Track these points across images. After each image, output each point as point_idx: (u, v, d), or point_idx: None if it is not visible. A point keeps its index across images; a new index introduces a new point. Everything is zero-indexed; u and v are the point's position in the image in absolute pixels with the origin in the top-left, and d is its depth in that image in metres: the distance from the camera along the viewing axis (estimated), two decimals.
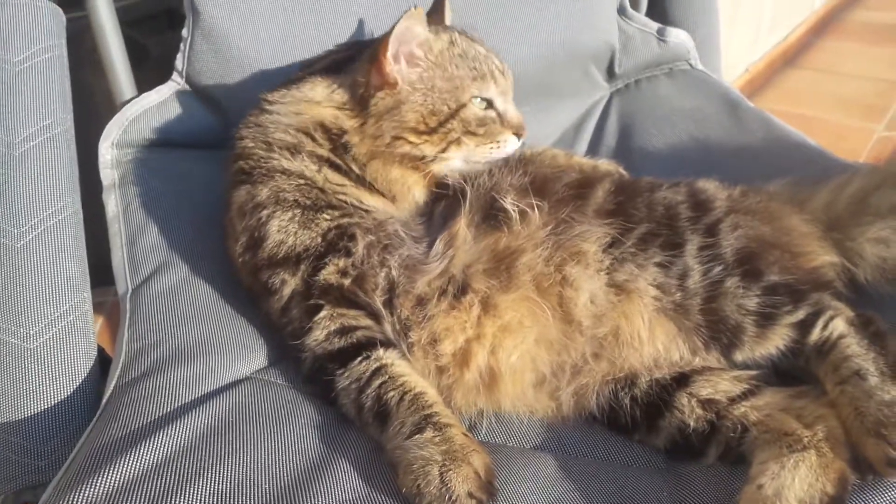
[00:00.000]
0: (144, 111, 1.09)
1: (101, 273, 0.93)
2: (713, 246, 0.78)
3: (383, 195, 0.85)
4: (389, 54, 0.81)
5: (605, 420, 0.78)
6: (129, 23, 1.24)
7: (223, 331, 0.86)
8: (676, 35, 1.29)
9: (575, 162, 0.99)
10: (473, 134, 0.86)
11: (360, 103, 0.84)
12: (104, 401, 0.76)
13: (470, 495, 0.62)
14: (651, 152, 1.17)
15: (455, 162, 0.86)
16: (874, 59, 3.13)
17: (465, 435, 0.68)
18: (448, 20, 0.99)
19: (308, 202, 0.80)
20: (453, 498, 0.61)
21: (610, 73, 1.30)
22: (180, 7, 1.74)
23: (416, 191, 0.85)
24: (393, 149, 0.83)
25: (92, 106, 1.21)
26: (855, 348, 0.72)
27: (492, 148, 0.88)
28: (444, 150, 0.84)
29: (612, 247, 0.79)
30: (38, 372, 0.80)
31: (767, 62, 3.02)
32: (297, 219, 0.79)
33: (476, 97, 0.87)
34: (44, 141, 0.91)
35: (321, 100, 0.85)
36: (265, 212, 0.80)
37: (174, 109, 1.10)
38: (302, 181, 0.81)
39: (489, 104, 0.88)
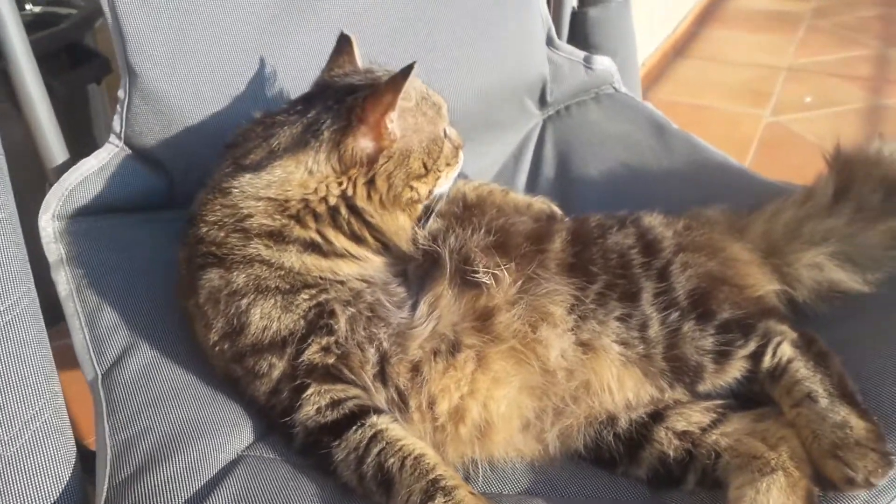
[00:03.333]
0: (84, 179, 1.04)
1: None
2: (667, 291, 0.85)
3: (371, 246, 0.86)
4: (394, 114, 0.81)
5: (590, 456, 0.84)
6: None
7: (205, 410, 0.85)
8: (601, 62, 1.37)
9: (511, 199, 1.04)
10: (449, 164, 0.91)
11: (347, 168, 0.83)
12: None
13: None
14: (588, 180, 1.24)
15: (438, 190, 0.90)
16: (754, 46, 3.37)
17: (473, 494, 0.72)
18: (359, 60, 0.98)
19: (287, 286, 0.80)
20: None
21: (542, 102, 1.36)
22: (81, 43, 1.66)
23: (409, 229, 0.88)
24: (402, 199, 0.85)
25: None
26: (803, 371, 0.80)
27: (453, 169, 0.92)
28: (433, 188, 0.89)
29: (574, 307, 0.84)
30: (18, 478, 0.77)
31: (661, 54, 3.18)
32: (278, 304, 0.79)
33: (444, 130, 0.90)
34: None
35: (302, 179, 0.83)
36: (245, 300, 0.79)
37: (115, 174, 1.06)
38: (282, 271, 0.81)
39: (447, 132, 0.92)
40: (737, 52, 3.32)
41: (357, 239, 0.86)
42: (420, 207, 0.89)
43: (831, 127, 2.62)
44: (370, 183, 0.84)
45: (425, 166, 0.87)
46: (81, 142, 1.53)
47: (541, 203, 1.04)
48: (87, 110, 1.72)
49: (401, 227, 0.87)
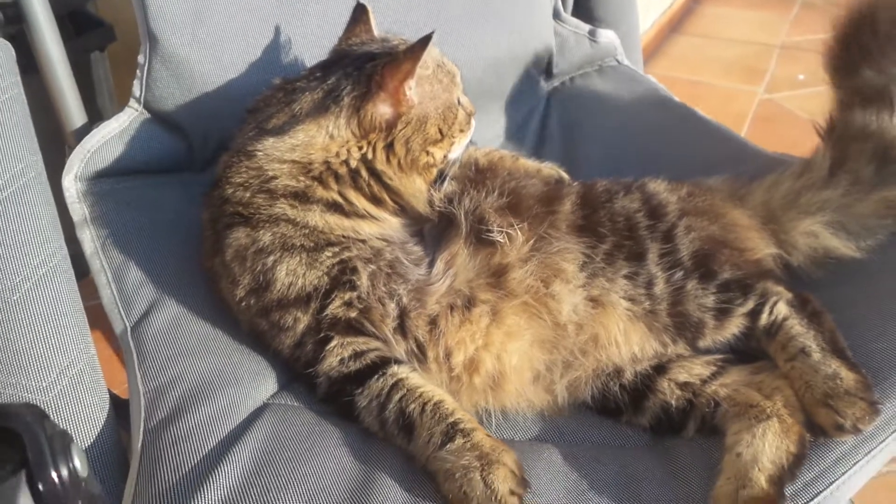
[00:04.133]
0: (105, 141, 1.07)
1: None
2: (671, 252, 0.90)
3: (390, 208, 0.90)
4: (412, 81, 0.84)
5: (596, 406, 0.89)
6: None
7: (231, 361, 0.89)
8: (605, 35, 1.40)
9: (521, 164, 1.08)
10: (462, 130, 0.94)
11: (367, 133, 0.86)
12: (138, 445, 0.79)
13: (511, 492, 0.71)
14: (593, 149, 1.27)
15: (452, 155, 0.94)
16: (748, 23, 3.38)
17: (490, 436, 0.76)
18: (375, 29, 1.01)
19: (311, 244, 0.84)
20: (499, 498, 0.70)
21: (548, 74, 1.39)
22: (84, 10, 1.66)
23: (426, 195, 0.91)
24: (418, 161, 0.89)
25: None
26: (797, 328, 0.85)
27: (465, 135, 0.96)
28: (448, 153, 0.92)
29: (585, 264, 0.88)
30: (58, 423, 0.81)
31: (657, 30, 3.20)
32: (303, 261, 0.83)
33: (458, 97, 0.93)
34: (19, 188, 0.89)
35: (323, 143, 0.86)
36: (271, 258, 0.83)
37: (135, 137, 1.09)
38: (307, 229, 0.84)
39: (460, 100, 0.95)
40: (731, 29, 3.34)
41: (376, 201, 0.89)
42: (435, 171, 0.93)
43: (824, 104, 2.65)
44: (389, 147, 0.87)
45: (441, 132, 0.90)
46: (85, 110, 1.55)
47: (549, 169, 1.08)
48: (90, 78, 1.73)
49: (418, 189, 0.91)
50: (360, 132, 0.86)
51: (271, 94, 0.93)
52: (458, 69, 0.96)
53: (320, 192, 0.86)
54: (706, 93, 2.82)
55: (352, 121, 0.86)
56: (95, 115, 1.12)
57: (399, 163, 0.88)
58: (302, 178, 0.86)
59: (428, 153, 0.90)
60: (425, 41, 0.83)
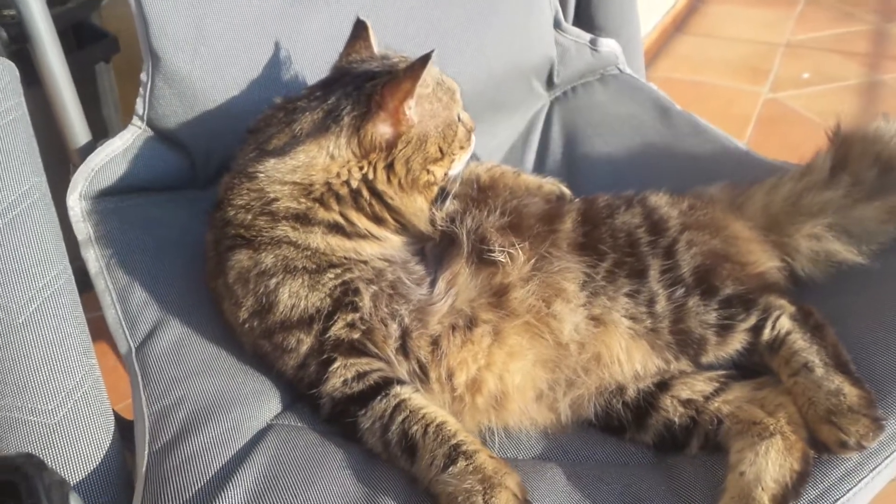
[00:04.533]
0: (109, 160, 1.08)
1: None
2: (673, 268, 0.89)
3: (391, 227, 0.90)
4: (412, 101, 0.84)
5: (600, 423, 0.89)
6: None
7: (235, 382, 0.89)
8: (606, 44, 1.40)
9: (522, 181, 1.07)
10: (462, 147, 0.94)
11: (368, 153, 0.86)
12: (143, 468, 0.79)
13: None
14: (595, 160, 1.27)
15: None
16: (752, 21, 3.36)
17: (493, 458, 0.76)
18: (375, 45, 1.01)
19: (314, 266, 0.84)
20: None
21: (549, 84, 1.39)
22: (88, 22, 1.67)
23: (427, 211, 0.92)
24: (419, 180, 0.89)
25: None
26: (800, 343, 0.85)
27: (466, 152, 0.96)
28: (448, 170, 0.92)
29: (586, 283, 0.88)
30: (62, 447, 0.81)
31: (660, 30, 3.19)
32: (306, 283, 0.83)
33: (458, 114, 0.93)
34: (24, 210, 0.90)
35: (324, 163, 0.86)
36: (273, 280, 0.83)
37: (139, 155, 1.10)
38: (308, 251, 0.84)
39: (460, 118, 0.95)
40: (735, 28, 3.32)
41: (378, 220, 0.89)
42: (436, 189, 0.93)
43: (829, 103, 2.63)
44: (389, 167, 0.88)
45: (441, 150, 0.90)
46: (90, 121, 1.55)
47: (551, 185, 1.08)
48: (95, 90, 1.73)
49: (419, 208, 0.91)
50: (361, 152, 0.86)
51: (272, 113, 0.93)
52: (457, 86, 0.96)
53: (322, 213, 0.86)
54: (709, 93, 2.80)
55: (352, 141, 0.86)
56: (101, 126, 1.13)
57: (400, 182, 0.89)
58: (303, 200, 0.86)
59: (428, 171, 0.90)
60: (425, 60, 0.83)
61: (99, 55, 1.67)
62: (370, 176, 0.87)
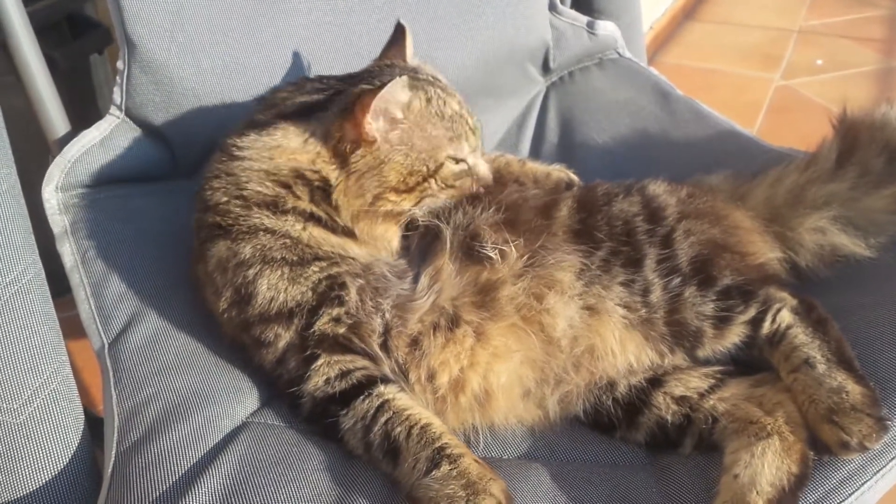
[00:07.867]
0: (86, 151, 1.05)
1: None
2: (670, 258, 0.85)
3: (364, 243, 0.86)
4: (369, 115, 0.80)
5: (589, 421, 0.85)
6: None
7: (209, 378, 0.86)
8: (605, 27, 1.35)
9: (528, 169, 1.04)
10: (450, 188, 0.89)
11: (336, 154, 0.84)
12: (109, 469, 0.76)
13: None
14: (592, 147, 1.23)
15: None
16: (765, 7, 3.30)
17: (478, 462, 0.73)
18: (410, 54, 0.98)
19: (295, 258, 0.81)
20: None
21: (545, 68, 1.35)
22: (82, 13, 1.64)
23: (394, 241, 0.87)
24: (375, 207, 0.84)
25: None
26: (802, 338, 0.81)
27: (451, 192, 0.90)
28: (418, 203, 0.86)
29: (582, 272, 0.84)
30: (29, 446, 0.79)
31: (670, 17, 3.13)
32: (285, 276, 0.80)
33: (451, 157, 0.88)
34: None
35: (296, 148, 0.84)
36: (251, 271, 0.80)
37: (117, 145, 1.07)
38: (288, 240, 0.81)
39: (463, 161, 0.90)
40: (747, 15, 3.26)
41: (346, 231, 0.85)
42: (403, 218, 0.87)
43: (842, 90, 2.57)
44: (347, 178, 0.83)
45: (405, 182, 0.85)
46: (85, 112, 1.53)
47: (559, 172, 1.04)
48: (89, 81, 1.71)
49: (378, 236, 0.86)
50: (329, 151, 0.84)
51: (284, 88, 0.93)
52: (478, 126, 0.91)
53: (292, 201, 0.83)
54: (720, 81, 2.74)
55: (326, 136, 0.84)
56: (96, 118, 1.10)
57: (350, 201, 0.84)
58: (269, 184, 0.83)
59: (388, 200, 0.84)
60: (388, 84, 0.79)
61: (93, 46, 1.66)
62: (331, 180, 0.83)
